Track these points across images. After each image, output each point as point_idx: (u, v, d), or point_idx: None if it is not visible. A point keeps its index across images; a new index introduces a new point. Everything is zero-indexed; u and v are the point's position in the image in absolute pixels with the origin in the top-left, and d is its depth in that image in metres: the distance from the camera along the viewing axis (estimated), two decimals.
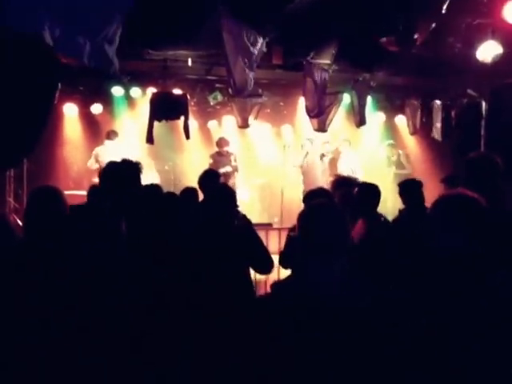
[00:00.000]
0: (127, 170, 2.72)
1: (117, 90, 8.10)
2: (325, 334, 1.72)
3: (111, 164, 2.81)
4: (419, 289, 2.00)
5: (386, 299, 1.87)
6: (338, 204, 2.27)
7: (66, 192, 7.68)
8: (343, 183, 4.79)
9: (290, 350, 1.73)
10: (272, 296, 1.91)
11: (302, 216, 1.95)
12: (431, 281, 1.99)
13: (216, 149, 8.76)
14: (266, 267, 3.25)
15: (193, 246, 2.72)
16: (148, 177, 8.64)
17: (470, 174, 2.99)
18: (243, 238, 3.21)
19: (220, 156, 8.48)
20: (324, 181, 7.91)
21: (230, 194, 3.45)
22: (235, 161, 8.58)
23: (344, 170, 8.41)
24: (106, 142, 8.18)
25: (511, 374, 1.83)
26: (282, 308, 1.80)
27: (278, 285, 1.93)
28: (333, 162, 9.16)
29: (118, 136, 8.26)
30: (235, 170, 8.52)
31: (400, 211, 4.74)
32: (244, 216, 3.76)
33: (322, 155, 8.76)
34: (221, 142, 8.55)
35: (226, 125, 9.70)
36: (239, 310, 2.20)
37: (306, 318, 1.74)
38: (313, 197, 3.57)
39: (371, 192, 4.24)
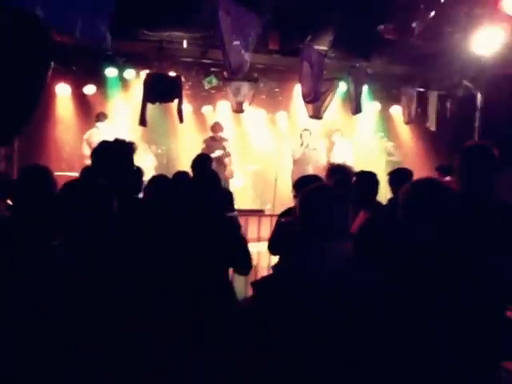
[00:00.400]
0: (120, 149, 2.66)
1: (111, 71, 7.98)
2: (317, 322, 1.71)
3: (103, 143, 2.75)
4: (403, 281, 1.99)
5: (382, 293, 1.85)
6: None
7: (58, 173, 7.64)
8: (337, 171, 4.77)
9: (284, 336, 1.72)
10: (266, 283, 1.89)
11: (302, 198, 1.92)
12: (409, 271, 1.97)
13: (210, 134, 8.70)
14: (244, 267, 3.06)
15: (184, 227, 2.70)
16: (144, 160, 8.61)
17: (464, 163, 2.95)
18: (227, 231, 3.11)
19: (213, 141, 8.41)
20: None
21: (216, 181, 3.40)
22: (228, 147, 8.51)
23: (337, 159, 8.39)
24: (97, 124, 8.07)
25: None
26: (274, 296, 1.79)
27: (267, 277, 1.91)
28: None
29: (107, 118, 8.12)
30: (228, 155, 8.46)
31: (389, 200, 4.73)
32: (232, 218, 3.70)
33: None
34: (215, 127, 8.47)
35: (220, 110, 9.62)
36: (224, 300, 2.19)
37: (298, 305, 1.73)
38: (304, 183, 3.51)
39: (370, 180, 4.17)
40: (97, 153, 2.66)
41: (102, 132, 7.80)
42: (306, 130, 8.64)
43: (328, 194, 1.93)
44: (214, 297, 2.49)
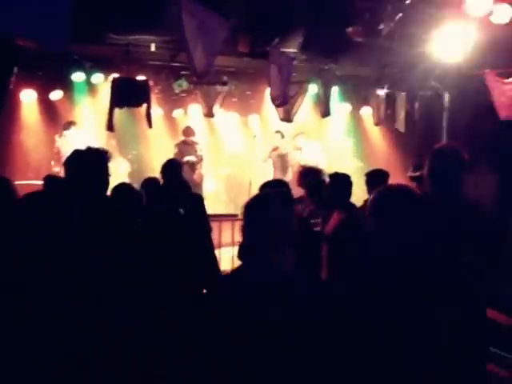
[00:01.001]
0: (94, 159, 2.54)
1: (77, 76, 7.81)
2: (271, 320, 1.69)
3: (76, 152, 2.62)
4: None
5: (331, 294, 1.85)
6: (291, 194, 2.21)
7: (25, 182, 7.45)
8: (309, 173, 4.78)
9: (242, 336, 1.70)
10: (221, 286, 1.86)
11: (246, 204, 1.90)
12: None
13: (182, 138, 8.62)
14: (209, 281, 2.99)
15: (146, 233, 2.64)
16: (118, 166, 8.46)
17: (434, 165, 2.97)
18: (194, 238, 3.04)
19: (185, 145, 8.35)
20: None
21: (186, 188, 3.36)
22: (200, 150, 8.47)
23: (309, 162, 8.40)
24: (64, 133, 7.88)
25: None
26: (230, 296, 1.76)
27: (227, 276, 1.88)
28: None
29: (75, 125, 7.96)
30: (200, 159, 8.41)
31: (366, 202, 4.76)
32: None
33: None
34: (187, 131, 8.42)
35: (191, 113, 9.53)
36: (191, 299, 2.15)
37: (253, 305, 1.70)
38: (266, 187, 3.45)
39: (344, 182, 4.20)
40: (70, 163, 2.55)
41: (71, 140, 7.62)
42: (277, 132, 8.66)
43: (270, 201, 1.89)
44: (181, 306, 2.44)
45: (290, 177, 8.26)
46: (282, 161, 8.61)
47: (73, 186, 2.42)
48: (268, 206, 1.86)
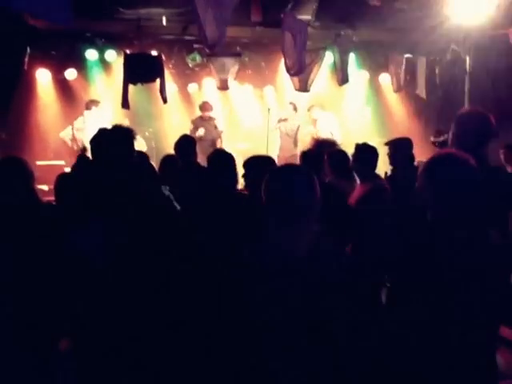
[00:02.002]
0: (119, 137, 2.52)
1: (91, 54, 7.78)
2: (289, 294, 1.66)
3: (101, 131, 2.58)
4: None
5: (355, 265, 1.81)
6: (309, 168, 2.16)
7: (45, 162, 7.52)
8: (322, 145, 4.67)
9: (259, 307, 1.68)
10: (242, 261, 1.84)
11: (267, 179, 1.85)
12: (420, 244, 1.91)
13: (199, 113, 8.52)
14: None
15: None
16: (136, 144, 8.41)
17: (460, 133, 2.86)
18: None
19: (202, 121, 8.25)
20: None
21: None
22: (217, 126, 8.35)
23: (322, 134, 8.22)
24: (86, 112, 7.80)
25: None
26: (250, 272, 1.74)
27: (246, 249, 1.85)
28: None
29: (98, 105, 7.84)
30: (219, 135, 8.30)
31: (387, 174, 4.64)
32: None
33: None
34: (205, 106, 8.26)
35: (206, 87, 9.43)
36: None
37: (272, 279, 1.68)
38: (253, 164, 3.33)
39: (369, 153, 4.05)
40: (95, 142, 2.53)
41: (91, 121, 7.57)
42: (290, 103, 8.46)
43: (295, 175, 1.84)
44: None
45: (298, 149, 8.09)
46: (290, 133, 8.38)
47: (100, 165, 2.39)
48: (286, 184, 1.81)
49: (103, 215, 2.03)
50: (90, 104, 7.74)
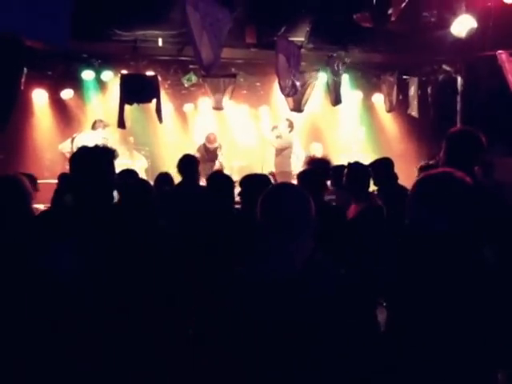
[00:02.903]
0: (100, 156, 2.55)
1: (87, 74, 7.86)
2: (280, 315, 1.68)
3: (81, 149, 2.60)
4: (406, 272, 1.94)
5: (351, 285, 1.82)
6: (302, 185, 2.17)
7: (40, 181, 7.55)
8: (316, 163, 4.72)
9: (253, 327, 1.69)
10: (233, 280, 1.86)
11: (263, 198, 1.88)
12: (416, 262, 1.93)
13: (194, 133, 8.61)
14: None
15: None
16: (136, 162, 8.49)
17: (451, 151, 2.91)
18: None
19: (207, 152, 8.36)
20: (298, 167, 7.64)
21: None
22: (221, 155, 8.45)
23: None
24: (92, 132, 7.81)
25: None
26: (240, 292, 1.75)
27: (238, 269, 1.87)
28: None
29: (105, 127, 7.78)
30: (221, 166, 8.36)
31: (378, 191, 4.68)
32: None
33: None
34: (210, 138, 8.35)
35: (202, 107, 9.54)
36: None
37: (262, 300, 1.70)
38: (250, 181, 3.37)
39: (360, 173, 4.10)
40: (74, 159, 2.56)
41: (90, 139, 7.58)
42: (286, 119, 8.54)
43: (289, 192, 1.88)
44: None
45: (293, 166, 8.11)
46: (285, 148, 8.39)
47: (77, 184, 2.41)
48: (280, 201, 1.84)
49: (76, 234, 2.05)
50: (98, 124, 7.75)
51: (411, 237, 2.01)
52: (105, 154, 2.50)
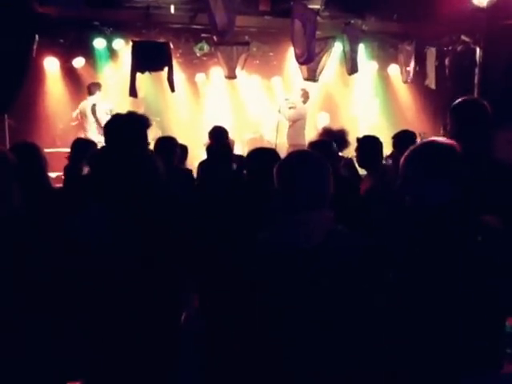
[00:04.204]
0: (135, 125, 2.47)
1: (99, 42, 7.76)
2: (304, 283, 1.66)
3: (116, 118, 2.56)
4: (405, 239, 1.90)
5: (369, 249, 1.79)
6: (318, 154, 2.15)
7: (52, 150, 7.56)
8: (331, 134, 4.65)
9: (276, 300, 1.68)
10: (255, 250, 1.84)
11: (279, 168, 1.84)
12: (415, 230, 1.89)
13: (206, 103, 8.46)
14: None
15: None
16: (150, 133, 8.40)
17: (456, 121, 2.83)
18: None
19: None
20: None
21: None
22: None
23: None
24: (89, 98, 7.80)
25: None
26: (263, 261, 1.74)
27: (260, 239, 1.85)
28: None
29: (100, 88, 7.82)
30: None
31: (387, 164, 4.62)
32: None
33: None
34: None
35: (213, 77, 9.41)
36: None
37: (285, 269, 1.67)
38: (257, 156, 3.32)
39: (372, 145, 4.05)
40: (110, 129, 2.49)
41: (98, 104, 7.54)
42: (301, 89, 8.31)
43: (305, 161, 1.83)
44: None
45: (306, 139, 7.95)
46: (298, 119, 8.18)
47: (114, 151, 2.36)
48: (299, 170, 1.80)
49: (106, 200, 2.02)
50: (93, 88, 7.60)
51: (415, 209, 1.95)
52: (140, 122, 2.45)
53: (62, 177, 4.08)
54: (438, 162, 1.87)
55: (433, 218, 1.82)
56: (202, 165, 3.96)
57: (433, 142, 1.96)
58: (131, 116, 2.49)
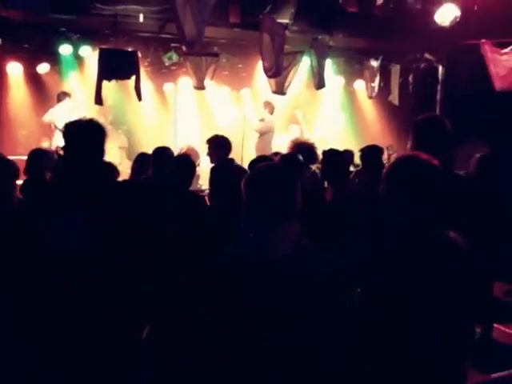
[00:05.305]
0: (95, 130, 2.44)
1: (65, 49, 7.61)
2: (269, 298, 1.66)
3: (75, 123, 2.49)
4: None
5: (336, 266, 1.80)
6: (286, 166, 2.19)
7: (14, 157, 7.33)
8: (300, 146, 4.71)
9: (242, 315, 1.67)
10: (218, 263, 1.82)
11: (247, 180, 1.84)
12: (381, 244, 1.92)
13: (173, 112, 8.42)
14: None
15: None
16: (113, 140, 8.30)
17: (417, 137, 2.93)
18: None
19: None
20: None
21: None
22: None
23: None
24: (59, 104, 7.69)
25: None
26: (228, 275, 1.73)
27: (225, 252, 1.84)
28: None
29: (69, 96, 7.75)
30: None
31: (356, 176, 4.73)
32: None
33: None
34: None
35: (182, 87, 9.37)
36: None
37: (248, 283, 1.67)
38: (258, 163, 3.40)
39: (336, 158, 4.17)
40: (69, 134, 2.44)
41: (65, 112, 7.46)
42: (266, 101, 8.43)
43: (274, 173, 1.84)
44: None
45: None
46: (267, 132, 8.27)
47: (74, 157, 2.33)
48: (266, 182, 1.81)
49: (81, 202, 2.01)
50: (62, 96, 7.66)
51: (389, 223, 1.98)
52: (99, 128, 2.43)
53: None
54: (421, 179, 1.88)
55: (409, 232, 1.85)
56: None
57: (415, 158, 1.97)
58: (92, 121, 2.47)
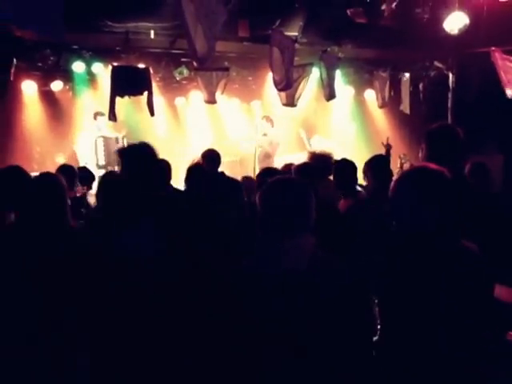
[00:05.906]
0: (147, 153, 2.90)
1: (78, 66, 7.75)
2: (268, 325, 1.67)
3: (135, 147, 2.98)
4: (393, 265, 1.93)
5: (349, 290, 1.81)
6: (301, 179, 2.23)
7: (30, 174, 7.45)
8: (318, 159, 4.71)
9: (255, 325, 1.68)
10: (233, 276, 1.84)
11: (261, 193, 1.86)
12: (401, 258, 1.92)
13: (186, 126, 8.51)
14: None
15: None
16: None
17: (430, 146, 2.93)
18: None
19: None
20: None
21: None
22: None
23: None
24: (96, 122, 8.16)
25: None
26: (244, 287, 1.74)
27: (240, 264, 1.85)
28: None
29: (101, 115, 8.07)
30: None
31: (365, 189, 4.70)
32: None
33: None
34: None
35: (193, 101, 9.47)
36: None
37: (260, 297, 1.68)
38: (267, 175, 3.40)
39: (348, 169, 4.15)
40: (126, 156, 2.89)
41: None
42: (263, 116, 8.49)
43: (289, 187, 1.85)
44: None
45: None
46: (269, 148, 8.27)
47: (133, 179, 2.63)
48: (280, 196, 1.82)
49: (152, 216, 2.20)
50: (95, 115, 8.16)
51: (402, 234, 1.97)
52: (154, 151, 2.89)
53: None
54: (431, 189, 1.89)
55: (421, 243, 1.85)
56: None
57: (425, 168, 1.98)
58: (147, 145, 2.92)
